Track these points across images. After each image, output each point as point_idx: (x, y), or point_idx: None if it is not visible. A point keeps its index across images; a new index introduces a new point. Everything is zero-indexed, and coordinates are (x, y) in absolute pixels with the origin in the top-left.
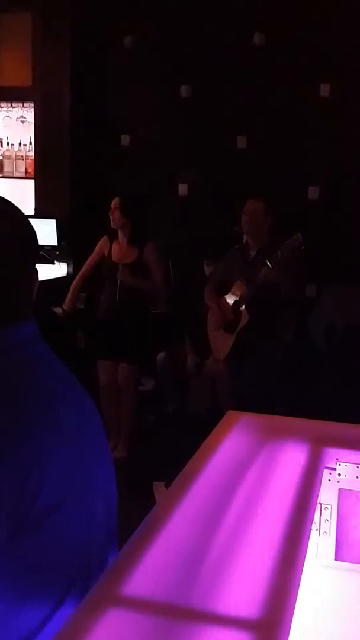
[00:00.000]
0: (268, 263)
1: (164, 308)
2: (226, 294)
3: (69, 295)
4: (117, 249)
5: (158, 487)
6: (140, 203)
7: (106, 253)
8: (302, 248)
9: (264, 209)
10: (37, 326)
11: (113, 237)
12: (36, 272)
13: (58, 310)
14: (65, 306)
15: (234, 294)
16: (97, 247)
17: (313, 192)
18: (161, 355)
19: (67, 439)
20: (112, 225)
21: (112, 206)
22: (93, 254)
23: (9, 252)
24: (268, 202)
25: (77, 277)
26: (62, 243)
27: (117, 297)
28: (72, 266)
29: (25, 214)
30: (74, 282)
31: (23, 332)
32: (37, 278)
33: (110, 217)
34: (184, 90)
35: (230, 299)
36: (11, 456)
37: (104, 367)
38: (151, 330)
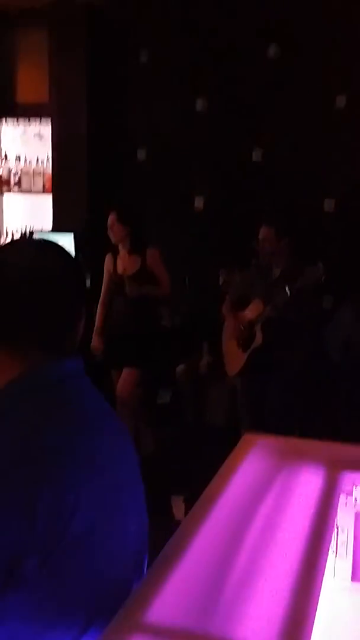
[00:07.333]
0: (287, 290)
1: (179, 320)
2: (244, 310)
3: (96, 337)
4: (120, 263)
5: (176, 502)
6: (135, 211)
7: (111, 269)
8: (323, 279)
9: (275, 233)
10: (82, 362)
11: (115, 252)
12: (84, 311)
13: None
14: (94, 345)
15: (251, 311)
16: (105, 269)
17: (328, 204)
18: (180, 367)
19: (104, 467)
20: (113, 241)
21: (109, 223)
22: (105, 278)
23: (63, 290)
24: (279, 226)
25: (99, 308)
26: (80, 257)
27: (126, 310)
28: (89, 280)
29: (43, 229)
30: (99, 319)
31: (70, 366)
32: (84, 316)
33: (110, 233)
34: (199, 104)
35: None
36: (52, 480)
37: (116, 377)
38: (164, 341)
